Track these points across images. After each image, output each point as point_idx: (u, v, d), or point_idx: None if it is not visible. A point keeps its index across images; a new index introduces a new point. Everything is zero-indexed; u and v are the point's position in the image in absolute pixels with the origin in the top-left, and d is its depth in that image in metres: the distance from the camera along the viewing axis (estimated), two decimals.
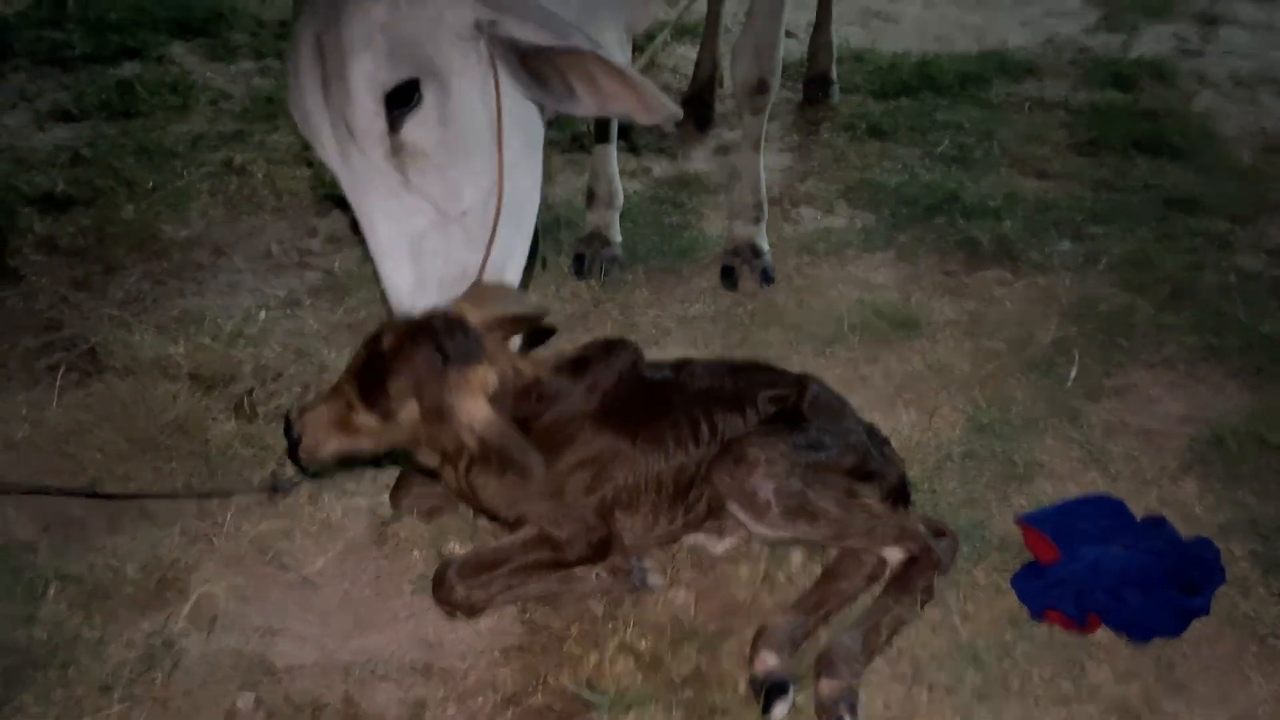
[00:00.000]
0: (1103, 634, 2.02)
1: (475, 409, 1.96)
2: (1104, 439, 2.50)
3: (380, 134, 1.88)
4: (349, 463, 2.27)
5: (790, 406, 2.16)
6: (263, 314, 2.99)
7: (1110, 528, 2.17)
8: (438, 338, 1.98)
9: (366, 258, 3.19)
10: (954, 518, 2.25)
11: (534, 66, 1.91)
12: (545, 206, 2.46)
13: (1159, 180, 3.51)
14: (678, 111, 1.95)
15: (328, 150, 1.96)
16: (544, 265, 3.10)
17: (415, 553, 2.24)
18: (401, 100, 1.87)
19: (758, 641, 1.94)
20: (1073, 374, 2.67)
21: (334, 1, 1.85)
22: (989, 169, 3.61)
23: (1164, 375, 2.70)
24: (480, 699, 1.95)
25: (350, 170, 1.95)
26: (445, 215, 1.98)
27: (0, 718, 1.86)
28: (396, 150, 1.91)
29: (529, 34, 1.89)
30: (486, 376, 2.01)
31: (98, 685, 1.92)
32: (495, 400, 1.99)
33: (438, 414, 1.97)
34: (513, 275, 2.16)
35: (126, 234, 3.36)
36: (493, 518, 2.18)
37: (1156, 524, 2.19)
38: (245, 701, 1.93)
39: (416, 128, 1.90)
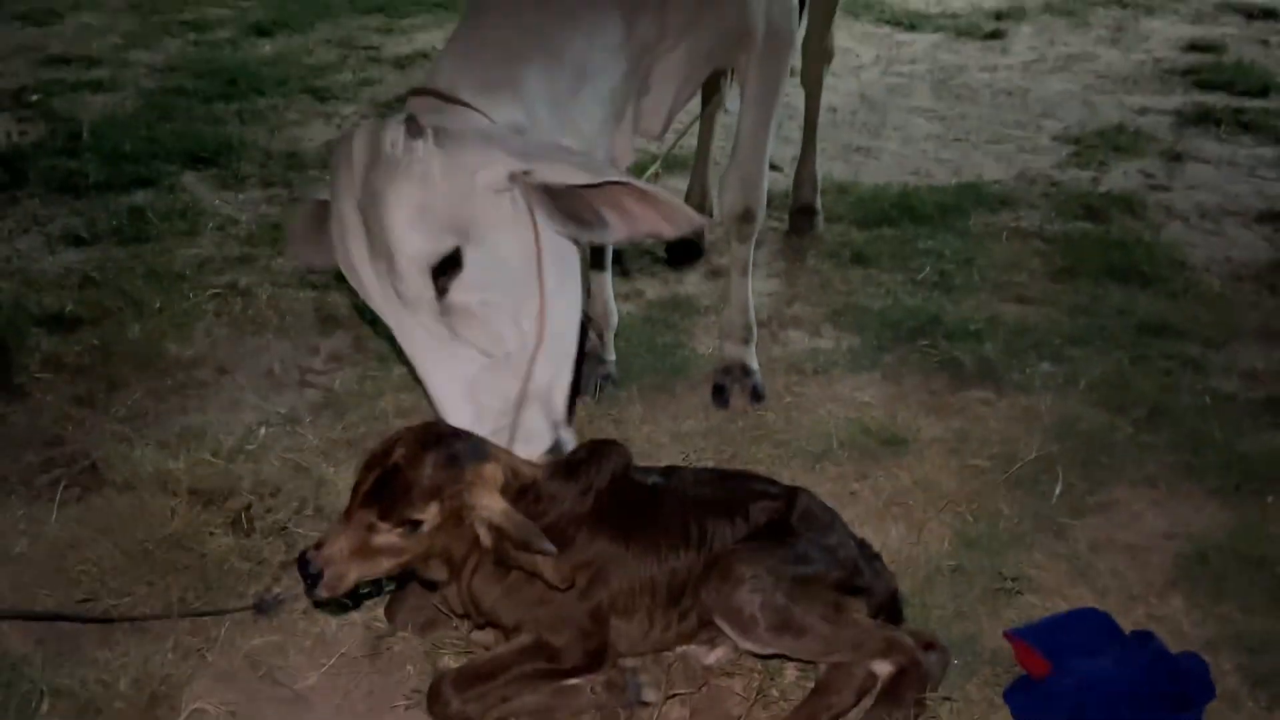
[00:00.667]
0: None
1: (492, 503, 2.01)
2: (1090, 554, 2.54)
3: (429, 301, 2.03)
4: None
5: (780, 518, 2.21)
6: (263, 430, 3.05)
7: (1100, 641, 2.19)
8: (449, 441, 2.06)
9: (368, 376, 3.31)
10: (945, 631, 2.27)
11: (565, 204, 2.04)
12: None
13: (1131, 306, 3.64)
14: (701, 220, 2.11)
15: (380, 307, 2.11)
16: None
17: (409, 667, 2.25)
18: (446, 267, 2.01)
19: None
20: (1057, 490, 2.73)
21: (371, 180, 1.98)
22: (969, 294, 3.75)
23: (1146, 492, 2.76)
24: None
25: (402, 328, 2.09)
26: (493, 357, 2.11)
27: None
28: (444, 311, 2.05)
29: (564, 176, 2.02)
30: (496, 473, 2.07)
31: None
32: (504, 495, 2.05)
33: (457, 515, 2.01)
34: (559, 398, 2.27)
35: (131, 353, 3.44)
36: (492, 625, 2.20)
37: (1145, 638, 2.22)
38: None
39: (461, 290, 2.04)
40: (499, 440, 2.14)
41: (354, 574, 1.99)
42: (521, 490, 2.12)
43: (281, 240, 4.25)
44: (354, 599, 2.34)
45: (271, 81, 6.27)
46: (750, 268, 3.22)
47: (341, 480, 2.79)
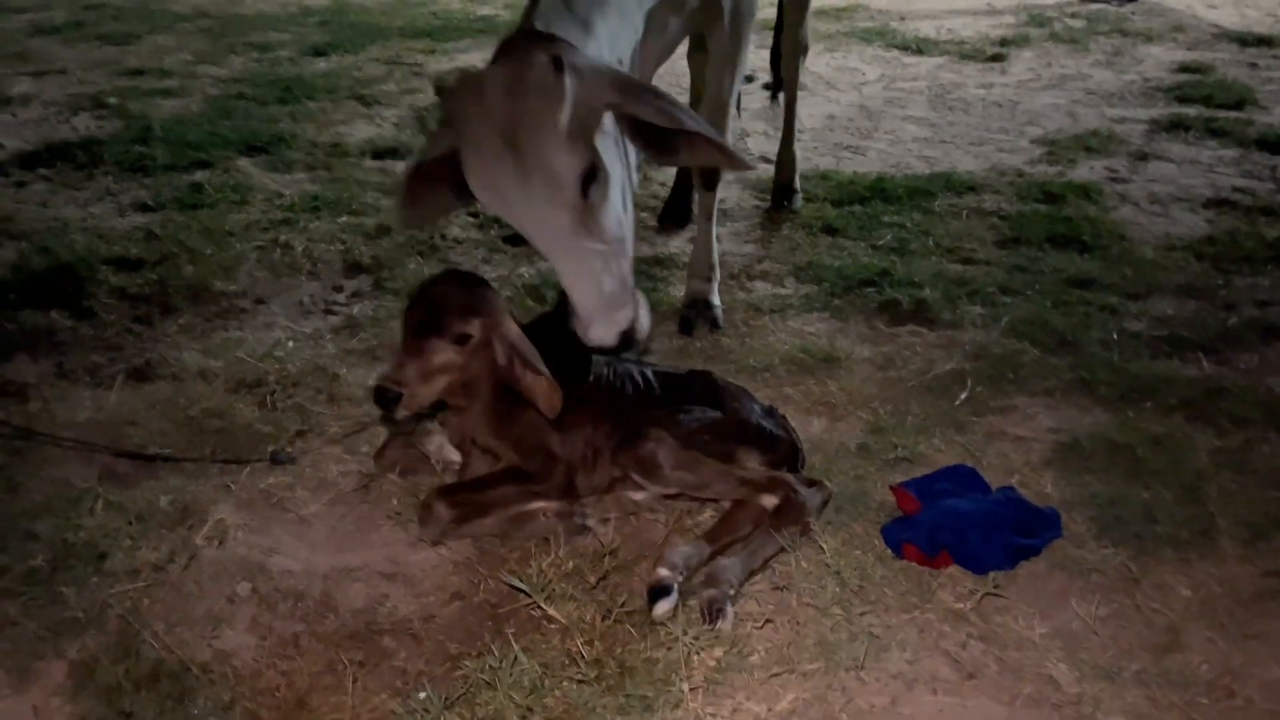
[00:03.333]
0: (951, 568, 2.43)
1: (510, 324, 2.55)
2: (983, 442, 2.95)
3: (575, 206, 2.39)
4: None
5: (687, 389, 2.69)
6: (290, 343, 3.57)
7: (966, 490, 2.60)
8: (473, 277, 2.63)
9: (384, 307, 3.81)
10: (842, 489, 2.69)
11: (647, 131, 2.47)
12: None
13: (1065, 266, 4.04)
14: (751, 165, 2.56)
15: (523, 218, 2.40)
16: None
17: (394, 500, 2.72)
18: (588, 176, 2.39)
19: (656, 560, 2.39)
20: (963, 395, 3.14)
21: (521, 108, 2.26)
22: (922, 256, 4.18)
23: (1042, 400, 3.15)
24: (433, 596, 2.40)
25: (548, 233, 2.41)
26: (609, 248, 2.48)
27: (48, 587, 2.33)
28: (583, 214, 2.42)
29: (652, 115, 2.45)
30: (506, 304, 2.60)
31: (127, 570, 2.40)
32: None
33: (489, 337, 2.51)
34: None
35: (184, 287, 4.00)
36: (483, 452, 2.66)
37: (1007, 490, 2.62)
38: (244, 589, 2.40)
39: (595, 194, 2.42)
40: (624, 314, 2.52)
41: (422, 393, 2.47)
42: None
43: (320, 208, 4.83)
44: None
45: (322, 90, 6.91)
46: (715, 213, 3.70)
47: (353, 377, 3.30)
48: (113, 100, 6.71)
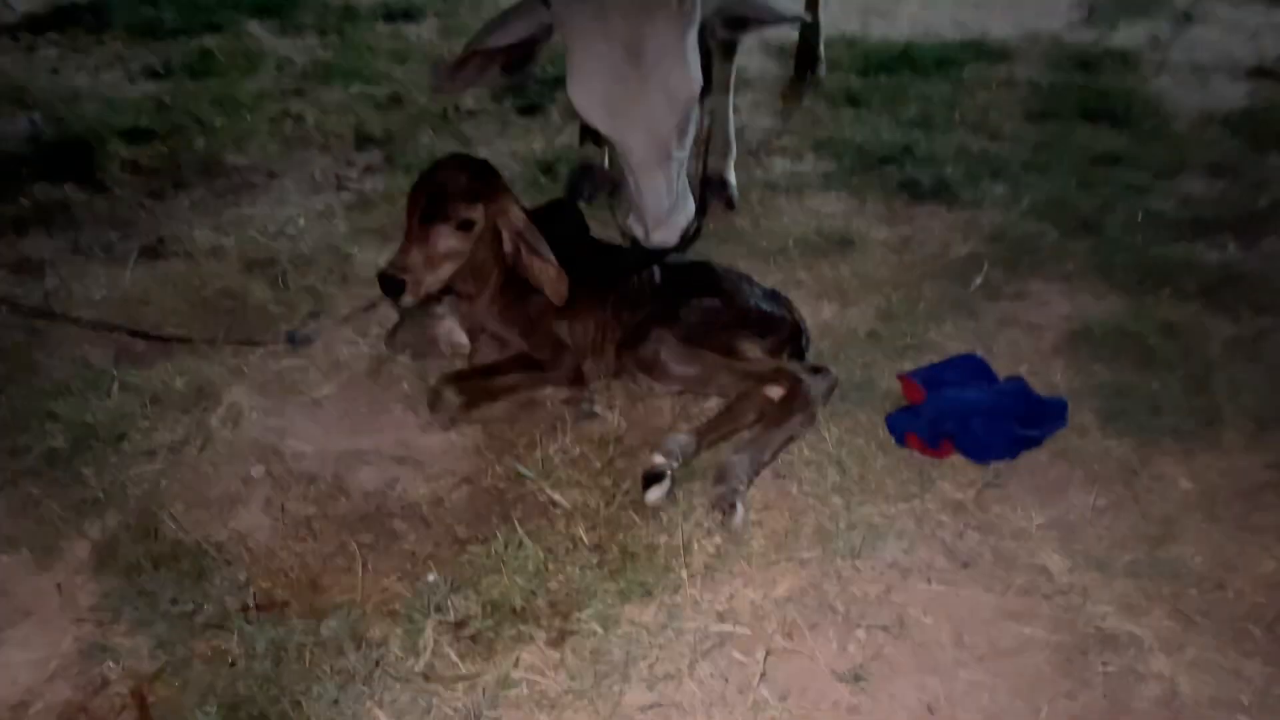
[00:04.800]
0: (953, 457, 2.45)
1: (516, 210, 2.53)
2: (994, 329, 2.92)
3: (681, 124, 2.45)
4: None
5: (685, 279, 2.67)
6: (302, 220, 3.56)
7: (973, 380, 2.60)
8: (477, 161, 2.59)
9: (395, 183, 3.77)
10: (849, 377, 2.69)
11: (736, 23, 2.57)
12: None
13: (1093, 142, 3.92)
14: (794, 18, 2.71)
15: (627, 130, 2.43)
16: None
17: (404, 383, 2.76)
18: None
19: (654, 447, 2.42)
20: (977, 280, 3.10)
21: (643, 23, 2.32)
22: (946, 131, 4.06)
23: (1057, 285, 3.11)
24: (442, 480, 2.45)
25: (647, 146, 2.45)
26: (684, 154, 2.55)
27: (68, 468, 2.41)
28: (680, 127, 2.48)
29: (752, 11, 2.56)
30: (510, 189, 2.58)
31: (144, 451, 2.47)
32: None
33: (494, 222, 2.51)
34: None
35: (196, 160, 3.97)
36: (493, 337, 2.68)
37: (1014, 381, 2.62)
38: (258, 471, 2.45)
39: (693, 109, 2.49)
40: (685, 214, 2.58)
41: (428, 279, 2.49)
42: None
43: (330, 76, 4.73)
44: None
45: None
46: (733, 85, 3.59)
47: (365, 258, 3.29)
48: None
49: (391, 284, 2.43)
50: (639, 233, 2.59)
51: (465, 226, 2.47)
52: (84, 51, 5.15)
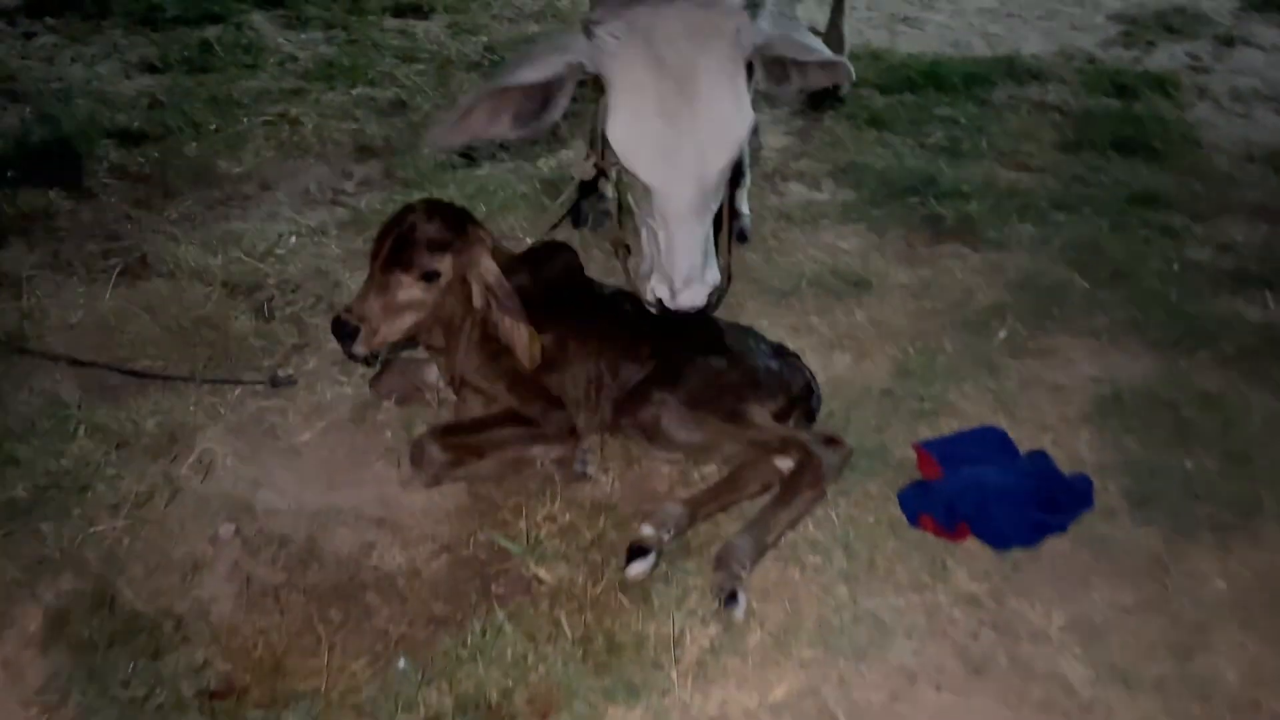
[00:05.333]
0: (969, 542, 2.28)
1: (488, 263, 2.35)
2: (1017, 390, 2.74)
3: (730, 164, 2.32)
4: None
5: (694, 332, 2.50)
6: (293, 239, 3.39)
7: (992, 455, 2.43)
8: (451, 208, 2.41)
9: (392, 199, 3.60)
10: (861, 442, 2.52)
11: (778, 69, 2.32)
12: None
13: (1129, 178, 3.72)
14: (851, 72, 2.43)
15: (671, 177, 2.25)
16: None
17: (388, 432, 2.60)
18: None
19: (645, 518, 2.26)
20: (1001, 334, 2.92)
21: (694, 56, 2.16)
22: (973, 159, 3.86)
23: (1087, 342, 2.92)
24: (421, 547, 2.30)
25: (689, 195, 2.28)
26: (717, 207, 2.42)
27: (26, 522, 2.26)
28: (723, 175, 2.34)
29: (797, 52, 2.31)
30: (488, 237, 2.40)
31: (109, 505, 2.32)
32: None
33: (463, 275, 2.34)
34: None
35: (187, 166, 3.81)
36: (474, 391, 2.50)
37: (1037, 456, 2.44)
38: (226, 531, 2.30)
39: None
40: (713, 272, 2.42)
41: (384, 330, 2.33)
42: (501, 268, 2.43)
43: (334, 76, 4.55)
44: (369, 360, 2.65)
45: None
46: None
47: (356, 283, 3.11)
48: None
49: (344, 330, 2.27)
50: (663, 293, 2.40)
51: (429, 278, 2.31)
52: (81, 40, 4.97)
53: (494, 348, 2.42)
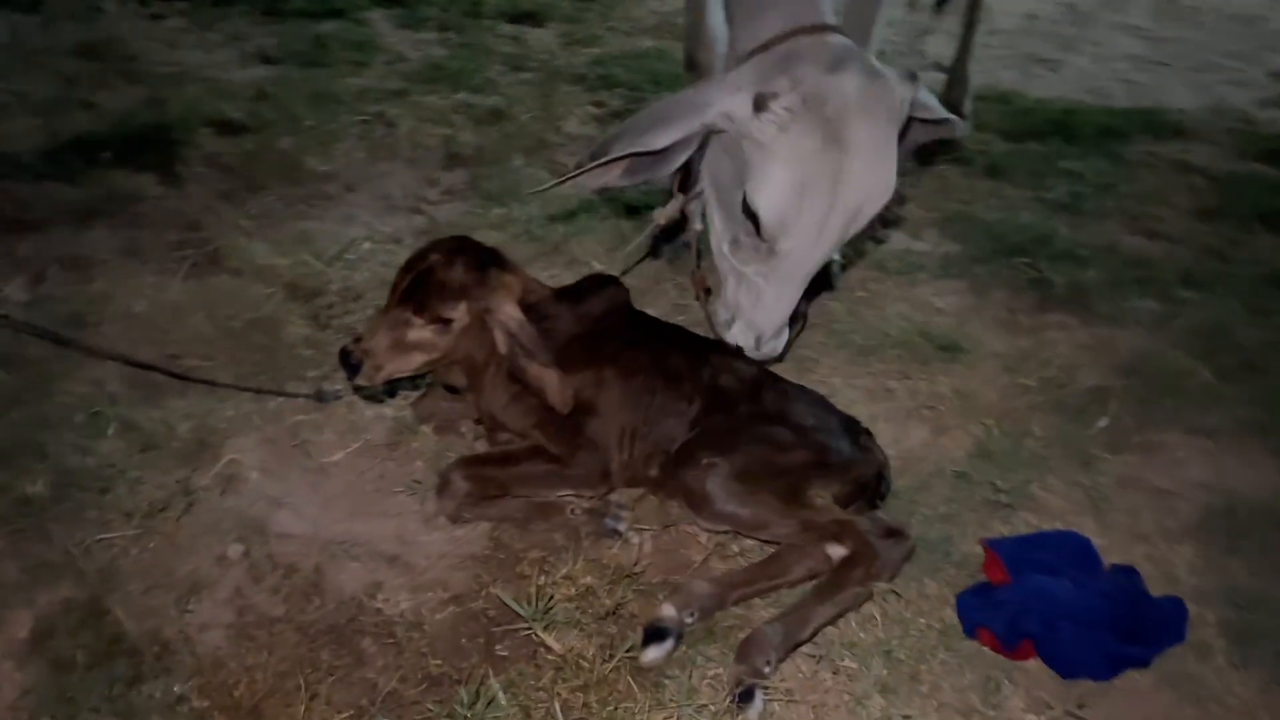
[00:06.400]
0: (1033, 663, 2.01)
1: (510, 309, 2.21)
2: (1113, 489, 2.45)
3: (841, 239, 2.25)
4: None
5: (755, 393, 2.28)
6: (366, 245, 3.32)
7: (1069, 564, 2.14)
8: (478, 249, 2.26)
9: (471, 212, 3.49)
10: (925, 530, 2.28)
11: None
12: None
13: (1273, 257, 3.34)
14: (965, 127, 2.35)
15: (811, 236, 2.18)
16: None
17: (419, 462, 2.47)
18: None
19: (669, 595, 2.06)
20: (1101, 423, 2.62)
21: (860, 143, 2.08)
22: (1095, 220, 3.53)
23: (1200, 442, 2.60)
24: (430, 593, 2.15)
25: (818, 255, 2.23)
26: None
27: (39, 521, 2.21)
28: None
29: (924, 113, 2.27)
30: (515, 284, 2.25)
31: (123, 511, 2.25)
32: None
33: (482, 319, 2.21)
34: None
35: (277, 161, 3.79)
36: (503, 430, 2.37)
37: (1124, 572, 2.15)
38: (235, 551, 2.21)
39: None
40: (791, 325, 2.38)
41: (389, 367, 2.21)
42: (532, 307, 2.29)
43: (438, 79, 4.50)
44: (390, 392, 2.57)
45: None
46: None
47: None
48: None
49: (348, 361, 2.16)
50: (747, 343, 2.35)
51: (440, 323, 2.17)
52: (205, 26, 5.07)
53: (521, 387, 2.26)
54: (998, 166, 3.86)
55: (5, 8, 5.04)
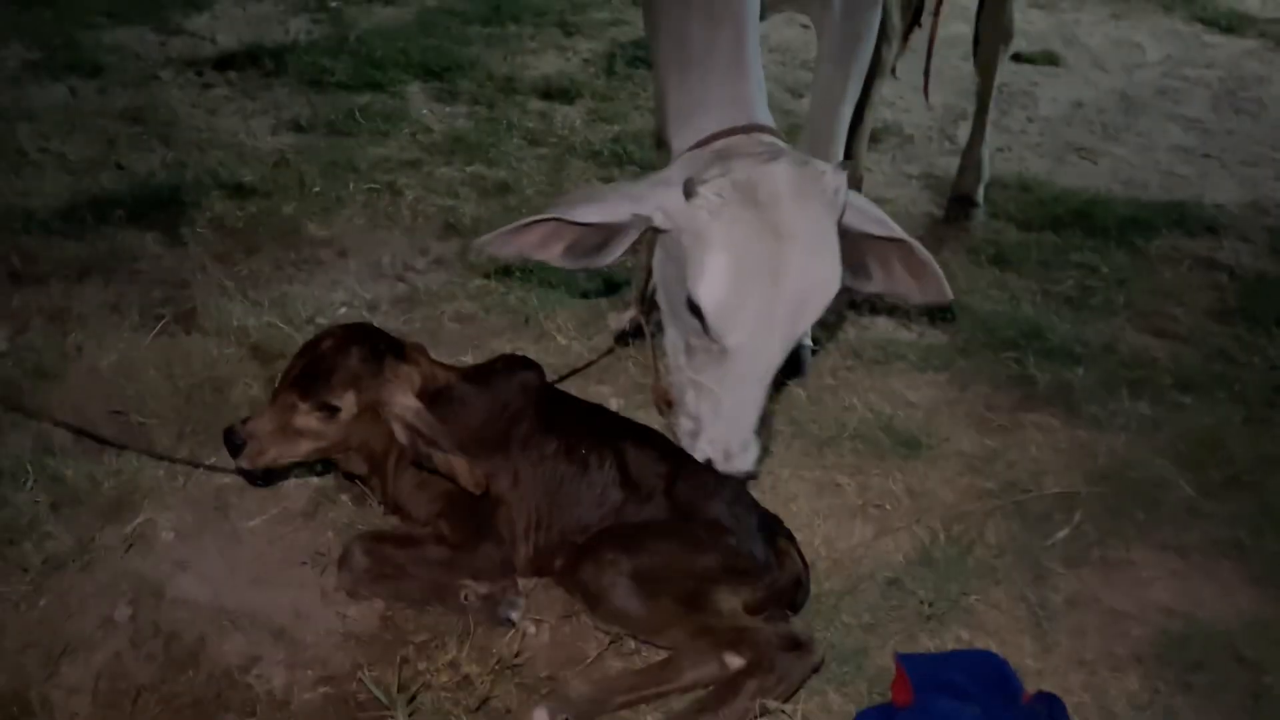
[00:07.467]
0: None
1: (406, 400, 2.15)
2: (1062, 608, 2.25)
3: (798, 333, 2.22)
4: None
5: (672, 484, 2.17)
6: (342, 310, 3.33)
7: (982, 689, 1.95)
8: (374, 338, 2.23)
9: (452, 281, 3.48)
10: (840, 639, 2.12)
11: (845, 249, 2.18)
12: None
13: None
14: (949, 296, 2.29)
15: (758, 333, 2.14)
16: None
17: (330, 532, 2.41)
18: None
19: (544, 697, 1.95)
20: (1062, 533, 2.43)
21: (794, 229, 2.07)
22: (1101, 316, 3.34)
23: (1169, 561, 2.38)
24: (306, 671, 2.08)
25: (770, 357, 2.18)
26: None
27: None
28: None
29: (869, 226, 2.23)
30: (412, 374, 2.21)
31: (22, 566, 2.24)
32: (421, 397, 2.19)
33: (373, 406, 2.17)
34: None
35: (278, 225, 3.85)
36: (405, 517, 2.33)
37: (1044, 700, 1.95)
38: (122, 614, 2.18)
39: None
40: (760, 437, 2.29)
41: (273, 451, 2.19)
42: (437, 393, 2.24)
43: (455, 151, 4.55)
44: (267, 479, 2.49)
45: (530, 11, 6.63)
46: None
47: None
48: (335, 4, 6.74)
49: (232, 442, 2.14)
50: (715, 456, 2.24)
51: (326, 410, 2.13)
52: (250, 96, 5.24)
53: (426, 474, 2.20)
54: (1005, 255, 3.70)
55: (70, 72, 5.32)
